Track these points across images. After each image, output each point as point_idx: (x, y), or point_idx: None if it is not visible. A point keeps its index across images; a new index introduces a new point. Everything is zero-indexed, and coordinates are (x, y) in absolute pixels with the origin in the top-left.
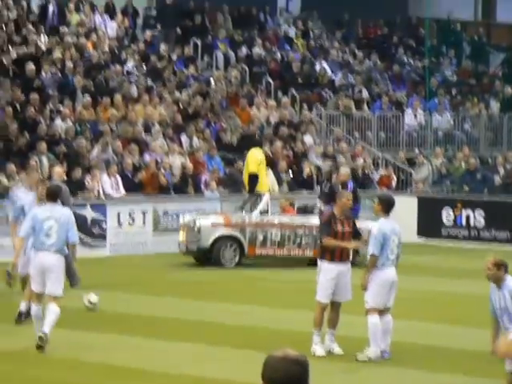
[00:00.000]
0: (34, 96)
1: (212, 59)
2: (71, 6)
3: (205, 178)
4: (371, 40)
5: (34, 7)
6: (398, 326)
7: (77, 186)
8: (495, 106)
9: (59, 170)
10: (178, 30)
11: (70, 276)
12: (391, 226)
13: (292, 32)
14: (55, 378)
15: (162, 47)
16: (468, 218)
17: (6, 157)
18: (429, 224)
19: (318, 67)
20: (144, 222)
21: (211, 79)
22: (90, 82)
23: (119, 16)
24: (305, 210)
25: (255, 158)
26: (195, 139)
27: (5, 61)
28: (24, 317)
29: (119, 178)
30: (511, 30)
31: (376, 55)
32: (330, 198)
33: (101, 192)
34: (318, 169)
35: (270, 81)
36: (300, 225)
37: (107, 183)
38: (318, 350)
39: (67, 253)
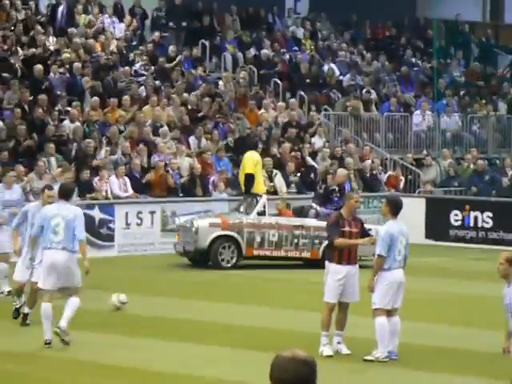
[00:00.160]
0: (43, 97)
1: (220, 60)
2: (79, 7)
3: (213, 179)
4: (379, 41)
5: (43, 8)
6: (406, 327)
7: (85, 187)
8: (503, 107)
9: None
10: (187, 31)
11: None
12: (399, 227)
13: (300, 33)
14: (64, 379)
15: (171, 48)
16: (476, 219)
17: (15, 158)
18: (437, 225)
19: (326, 68)
20: (152, 223)
21: (219, 80)
22: (99, 83)
23: (128, 17)
24: (301, 212)
25: (252, 160)
26: (203, 140)
27: (13, 62)
28: (28, 319)
29: (127, 179)
30: None
31: (384, 56)
32: (325, 199)
33: (109, 193)
34: (314, 170)
35: (278, 82)
36: (297, 226)
37: (115, 184)
38: (326, 350)
39: (76, 250)
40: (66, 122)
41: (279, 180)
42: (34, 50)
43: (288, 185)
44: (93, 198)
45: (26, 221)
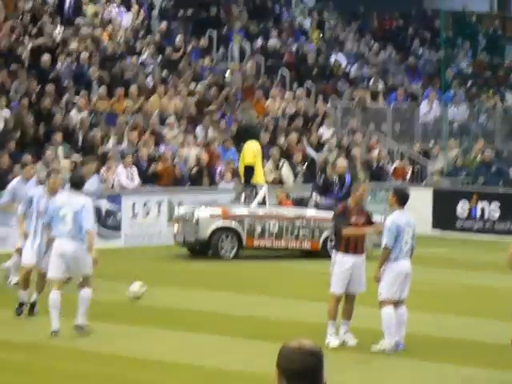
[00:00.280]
0: (50, 87)
1: (227, 51)
2: None
3: (220, 169)
4: (387, 32)
5: None
6: (413, 317)
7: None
8: (511, 98)
9: (66, 163)
10: (194, 22)
11: None
12: (406, 218)
13: (307, 23)
14: (68, 368)
15: (178, 38)
16: (483, 210)
17: (22, 148)
18: (444, 216)
19: (333, 59)
20: (159, 213)
21: (226, 71)
22: (106, 73)
23: (135, 7)
24: (301, 203)
25: (251, 150)
26: (210, 131)
27: (21, 52)
28: (36, 308)
29: (134, 169)
30: None
31: (391, 47)
32: (324, 190)
33: (116, 183)
34: (312, 160)
35: (286, 72)
36: (297, 216)
37: (122, 174)
38: (333, 341)
39: (85, 240)
40: (74, 112)
41: (286, 170)
42: (41, 40)
43: (295, 175)
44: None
45: (31, 207)
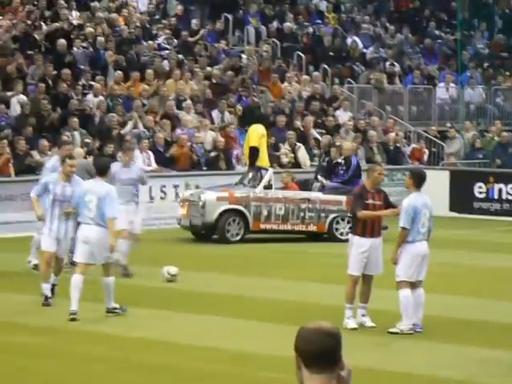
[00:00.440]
0: (66, 71)
1: (243, 34)
2: None
3: (236, 152)
4: (403, 13)
5: None
6: (430, 299)
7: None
8: None
9: (79, 151)
10: (210, 5)
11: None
12: (422, 199)
13: (323, 6)
14: (94, 352)
15: (194, 22)
16: (500, 191)
17: (39, 132)
18: (461, 198)
19: (349, 41)
20: (176, 197)
21: (242, 54)
22: (122, 57)
23: None
24: (305, 185)
25: (256, 133)
26: (226, 114)
27: (37, 36)
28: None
29: (151, 153)
30: None
31: (408, 29)
32: (328, 172)
33: None
34: (317, 141)
35: (302, 55)
36: (303, 199)
37: (139, 158)
38: (350, 323)
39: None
40: (90, 97)
41: (302, 153)
42: (57, 24)
43: (311, 158)
44: None
45: (47, 193)
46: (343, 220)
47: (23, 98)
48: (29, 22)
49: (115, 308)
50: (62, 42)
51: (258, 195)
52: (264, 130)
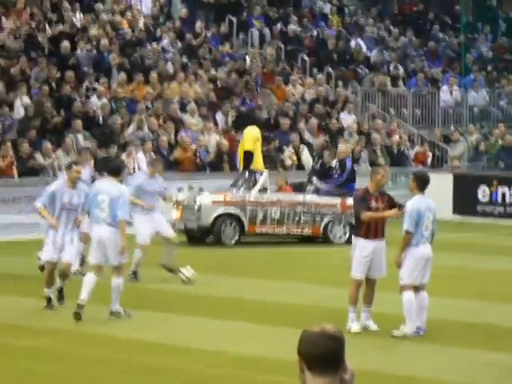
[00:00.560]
0: (70, 74)
1: (247, 36)
2: None
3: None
4: (407, 16)
5: None
6: (434, 302)
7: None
8: None
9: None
10: (214, 8)
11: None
12: (426, 203)
13: (327, 8)
14: (98, 355)
15: (198, 25)
16: (504, 194)
17: (42, 135)
18: (464, 201)
19: (353, 44)
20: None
21: (246, 57)
22: (126, 60)
23: None
24: (300, 188)
25: (251, 136)
26: (231, 117)
27: (40, 39)
28: (52, 303)
29: (154, 156)
30: None
31: (411, 32)
32: (322, 175)
33: (136, 169)
34: (310, 145)
35: (306, 58)
36: (299, 202)
37: (143, 161)
38: (354, 326)
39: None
40: (94, 99)
41: (306, 155)
42: (61, 27)
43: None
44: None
45: (54, 202)
46: (338, 223)
47: (27, 100)
48: (33, 25)
49: (119, 312)
50: (66, 44)
51: (254, 198)
52: (259, 133)
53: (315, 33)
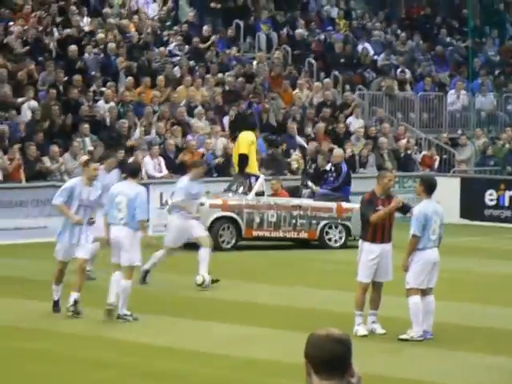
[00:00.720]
0: (77, 77)
1: (254, 40)
2: None
3: None
4: (414, 20)
5: None
6: (441, 306)
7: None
8: None
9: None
10: (221, 12)
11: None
12: (433, 207)
13: (334, 12)
14: (99, 358)
15: (205, 28)
16: (511, 198)
17: (50, 138)
18: (471, 205)
19: (360, 48)
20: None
21: (254, 60)
22: (133, 64)
23: None
24: (296, 192)
25: (247, 139)
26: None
27: (48, 42)
28: (59, 308)
29: (162, 159)
30: None
31: (419, 36)
32: (317, 179)
33: (143, 173)
34: (302, 149)
35: (313, 62)
36: (295, 206)
37: (150, 164)
38: (361, 330)
39: (138, 228)
40: (101, 103)
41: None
42: (68, 30)
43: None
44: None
45: (71, 199)
46: (334, 227)
47: (34, 103)
48: (40, 28)
49: (126, 315)
50: (74, 48)
51: (251, 202)
52: (254, 137)
53: (322, 37)
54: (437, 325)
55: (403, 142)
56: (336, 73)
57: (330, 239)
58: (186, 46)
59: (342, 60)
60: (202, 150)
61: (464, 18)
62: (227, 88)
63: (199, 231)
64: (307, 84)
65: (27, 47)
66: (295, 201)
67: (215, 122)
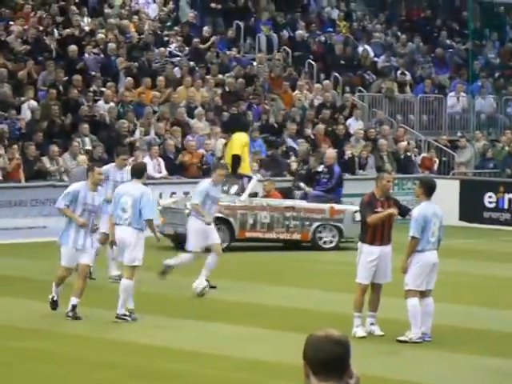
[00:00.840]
0: (77, 77)
1: (255, 42)
2: None
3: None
4: (414, 22)
5: None
6: (439, 308)
7: None
8: None
9: (83, 158)
10: (221, 13)
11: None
12: (433, 209)
13: (335, 14)
14: (102, 358)
15: (205, 29)
16: (510, 201)
17: (49, 138)
18: (471, 207)
19: (360, 50)
20: (186, 204)
21: (254, 62)
22: (133, 64)
23: None
24: (288, 193)
25: (240, 141)
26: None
27: (48, 42)
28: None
29: (161, 160)
30: None
31: (419, 38)
32: (309, 180)
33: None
34: (293, 150)
35: (313, 63)
36: (288, 207)
37: (149, 165)
38: (359, 331)
39: (142, 228)
40: (101, 103)
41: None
42: (68, 30)
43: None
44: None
45: (75, 203)
46: (327, 228)
47: (34, 103)
48: (40, 28)
49: (125, 315)
50: (74, 48)
51: (244, 203)
52: (247, 138)
53: (323, 38)
54: (435, 327)
55: (403, 144)
56: (336, 74)
57: (322, 240)
58: (186, 47)
59: (342, 62)
60: (201, 151)
61: (464, 20)
62: (227, 89)
63: (214, 237)
64: (307, 85)
65: (27, 47)
66: (288, 202)
67: (215, 123)
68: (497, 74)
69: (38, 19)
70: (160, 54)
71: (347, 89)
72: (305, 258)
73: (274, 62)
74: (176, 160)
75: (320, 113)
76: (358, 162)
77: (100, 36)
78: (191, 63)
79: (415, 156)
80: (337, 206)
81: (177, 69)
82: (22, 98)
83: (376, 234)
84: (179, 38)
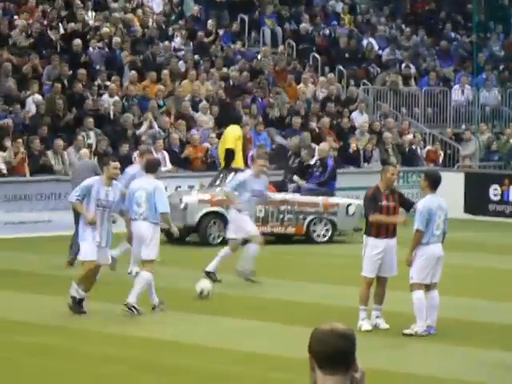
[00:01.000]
0: (82, 71)
1: (259, 35)
2: None
3: (251, 153)
4: (419, 15)
5: None
6: (445, 301)
7: (124, 162)
8: None
9: (85, 151)
10: (226, 6)
11: None
12: (437, 202)
13: (339, 7)
14: (101, 352)
15: (210, 23)
16: None
17: (54, 132)
18: (476, 200)
19: (365, 43)
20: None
21: (258, 55)
22: (138, 58)
23: None
24: (282, 187)
25: (233, 134)
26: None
27: (52, 36)
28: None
29: (166, 154)
30: None
31: (423, 31)
32: (300, 173)
33: None
34: (281, 146)
35: (317, 56)
36: (282, 201)
37: None
38: (365, 325)
39: (157, 222)
40: (105, 97)
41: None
42: (73, 25)
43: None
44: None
45: (88, 198)
46: (320, 222)
47: (39, 97)
48: (45, 22)
49: (134, 307)
50: (78, 42)
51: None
52: (240, 131)
53: (327, 31)
54: (440, 320)
55: (408, 136)
56: (340, 67)
57: (315, 234)
58: (191, 41)
59: (347, 55)
60: (206, 145)
61: (468, 13)
62: (232, 82)
63: (250, 228)
64: (312, 79)
65: (32, 41)
66: (282, 195)
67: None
68: (501, 67)
69: (42, 13)
70: (164, 47)
71: (352, 82)
72: (299, 252)
73: (278, 56)
74: (181, 154)
75: (325, 106)
76: (362, 155)
77: (104, 30)
78: (196, 57)
79: (420, 149)
80: (331, 200)
81: (181, 62)
82: (27, 92)
83: (381, 227)
84: (184, 32)
